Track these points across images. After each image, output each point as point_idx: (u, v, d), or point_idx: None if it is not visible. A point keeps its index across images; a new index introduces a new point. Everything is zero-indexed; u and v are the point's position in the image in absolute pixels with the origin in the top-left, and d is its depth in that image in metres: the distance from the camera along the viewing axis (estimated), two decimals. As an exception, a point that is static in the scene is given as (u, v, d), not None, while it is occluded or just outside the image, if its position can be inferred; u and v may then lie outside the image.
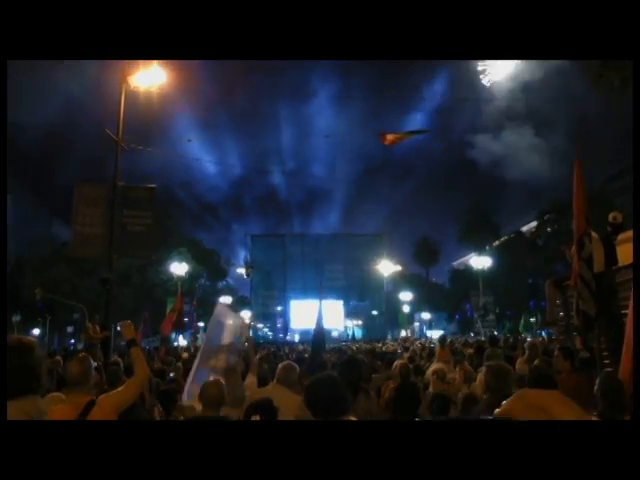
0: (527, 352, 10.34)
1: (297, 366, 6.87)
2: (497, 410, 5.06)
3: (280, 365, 6.90)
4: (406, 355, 14.81)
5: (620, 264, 7.89)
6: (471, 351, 12.90)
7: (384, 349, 22.59)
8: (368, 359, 11.49)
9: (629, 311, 6.12)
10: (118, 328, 5.24)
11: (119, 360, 10.21)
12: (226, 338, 7.31)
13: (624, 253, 7.79)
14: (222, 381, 5.28)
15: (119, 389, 4.71)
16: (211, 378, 5.48)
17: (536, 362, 6.61)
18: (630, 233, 7.41)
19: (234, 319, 7.68)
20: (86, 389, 4.63)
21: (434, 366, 9.26)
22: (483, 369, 5.14)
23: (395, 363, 8.66)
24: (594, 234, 7.94)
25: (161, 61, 17.71)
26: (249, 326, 7.36)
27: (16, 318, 53.59)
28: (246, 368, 7.60)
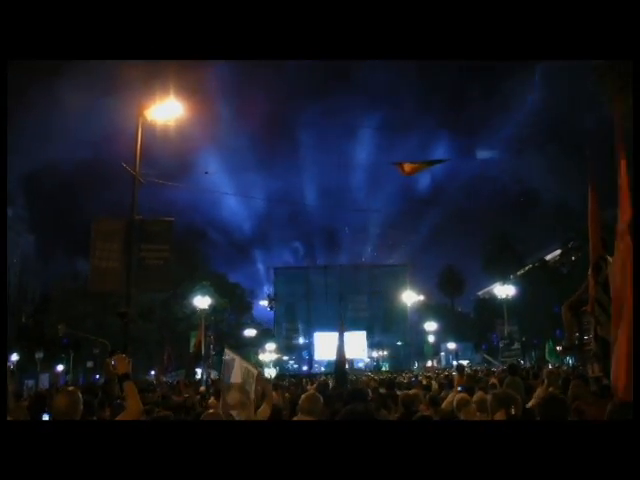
0: (546, 380, 10.08)
1: (321, 397, 6.66)
2: None
3: (303, 396, 6.65)
4: (423, 383, 14.57)
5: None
6: (495, 380, 12.65)
7: (405, 380, 22.29)
8: (386, 390, 11.29)
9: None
10: (112, 362, 5.06)
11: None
12: (236, 377, 7.14)
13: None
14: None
15: None
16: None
17: (550, 389, 6.43)
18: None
19: (243, 362, 7.46)
20: None
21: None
22: (489, 397, 4.98)
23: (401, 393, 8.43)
24: (611, 258, 7.75)
25: (178, 94, 17.70)
26: (259, 375, 7.17)
27: (39, 355, 53.50)
28: (262, 397, 7.38)
